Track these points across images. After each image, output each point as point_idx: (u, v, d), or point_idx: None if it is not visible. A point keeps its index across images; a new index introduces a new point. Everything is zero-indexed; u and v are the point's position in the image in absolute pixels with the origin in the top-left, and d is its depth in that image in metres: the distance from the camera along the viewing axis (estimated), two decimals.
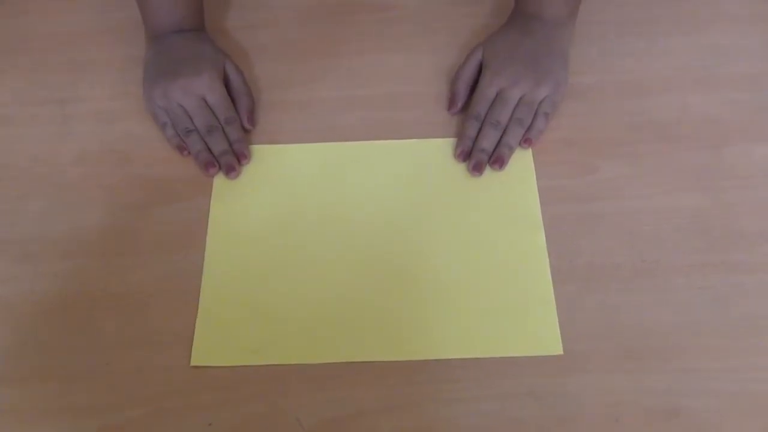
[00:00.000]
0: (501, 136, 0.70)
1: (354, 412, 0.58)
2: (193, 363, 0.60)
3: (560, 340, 0.60)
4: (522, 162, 0.70)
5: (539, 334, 0.61)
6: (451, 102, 0.74)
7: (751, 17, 0.80)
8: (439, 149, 0.72)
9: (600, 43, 0.78)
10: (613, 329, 0.61)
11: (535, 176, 0.69)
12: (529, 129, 0.71)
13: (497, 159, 0.69)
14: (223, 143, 0.71)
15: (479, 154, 0.70)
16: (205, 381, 0.59)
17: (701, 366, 0.59)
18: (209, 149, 0.71)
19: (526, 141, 0.70)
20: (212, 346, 0.61)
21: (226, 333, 0.61)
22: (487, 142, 0.70)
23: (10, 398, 0.59)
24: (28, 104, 0.77)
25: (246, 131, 0.73)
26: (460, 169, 0.70)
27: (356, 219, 0.67)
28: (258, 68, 0.79)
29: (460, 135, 0.72)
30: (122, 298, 0.63)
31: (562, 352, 0.60)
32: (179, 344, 0.61)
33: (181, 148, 0.71)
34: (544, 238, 0.65)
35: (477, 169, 0.69)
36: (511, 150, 0.70)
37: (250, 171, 0.71)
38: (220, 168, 0.70)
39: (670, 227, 0.66)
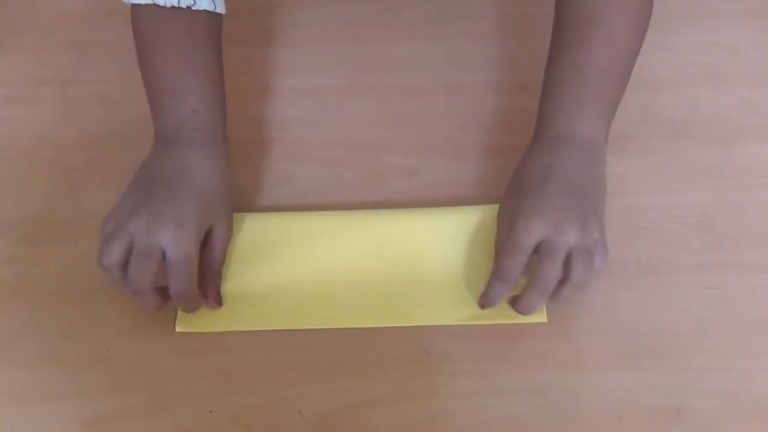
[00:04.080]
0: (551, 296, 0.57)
1: (354, 403, 0.57)
2: (178, 329, 0.60)
3: (545, 309, 0.60)
4: None
5: None
6: (484, 301, 0.60)
7: (765, 15, 0.79)
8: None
9: None
10: (617, 326, 0.60)
11: None
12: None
13: (527, 307, 0.59)
14: (153, 306, 0.58)
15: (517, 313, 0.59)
16: (205, 368, 0.59)
17: (705, 366, 0.58)
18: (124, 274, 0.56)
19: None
20: (198, 312, 0.61)
21: None
22: (533, 307, 0.58)
23: (10, 382, 0.59)
24: (32, 85, 0.77)
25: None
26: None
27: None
28: (264, 53, 0.78)
29: (483, 296, 0.60)
30: None
31: (546, 320, 0.60)
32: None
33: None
34: None
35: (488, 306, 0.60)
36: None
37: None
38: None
39: (677, 225, 0.65)
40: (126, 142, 0.72)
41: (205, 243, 0.60)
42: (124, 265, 0.56)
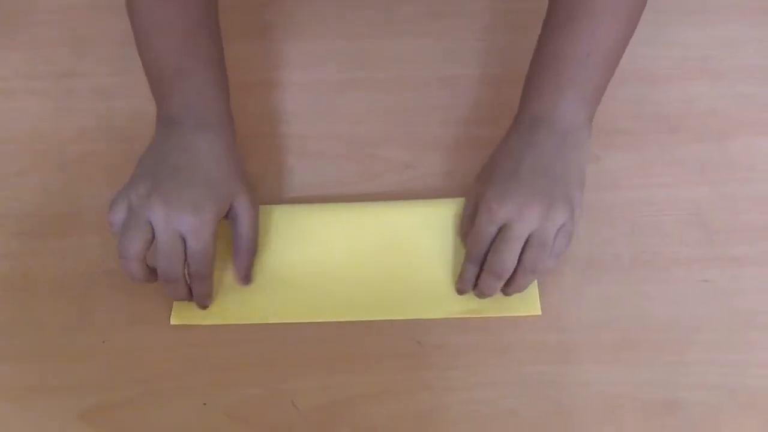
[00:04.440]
0: (511, 278, 0.59)
1: (349, 397, 0.58)
2: (173, 322, 0.61)
3: (538, 302, 0.61)
4: None
5: (519, 295, 0.61)
6: (459, 287, 0.62)
7: (761, 9, 0.79)
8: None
9: None
10: (611, 320, 0.60)
11: None
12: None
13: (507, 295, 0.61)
14: (182, 294, 0.59)
15: (481, 296, 0.61)
16: (200, 361, 0.59)
17: (699, 359, 0.58)
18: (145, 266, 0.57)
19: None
20: (193, 306, 0.61)
21: None
22: (491, 291, 0.59)
23: (5, 375, 0.59)
24: (28, 79, 0.77)
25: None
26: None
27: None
28: (260, 48, 0.78)
29: (459, 275, 0.61)
30: (120, 276, 0.62)
31: (540, 313, 0.60)
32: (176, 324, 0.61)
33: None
34: None
35: (479, 297, 0.61)
36: (522, 291, 0.60)
37: None
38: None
39: (671, 219, 0.65)
40: (123, 136, 0.72)
41: (234, 220, 0.61)
42: (145, 259, 0.57)
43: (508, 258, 0.57)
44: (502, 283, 0.59)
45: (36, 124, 0.73)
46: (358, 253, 0.64)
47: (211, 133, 0.61)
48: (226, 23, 0.76)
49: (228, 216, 0.60)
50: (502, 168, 0.60)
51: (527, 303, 0.61)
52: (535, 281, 0.62)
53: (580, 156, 0.61)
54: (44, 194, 0.68)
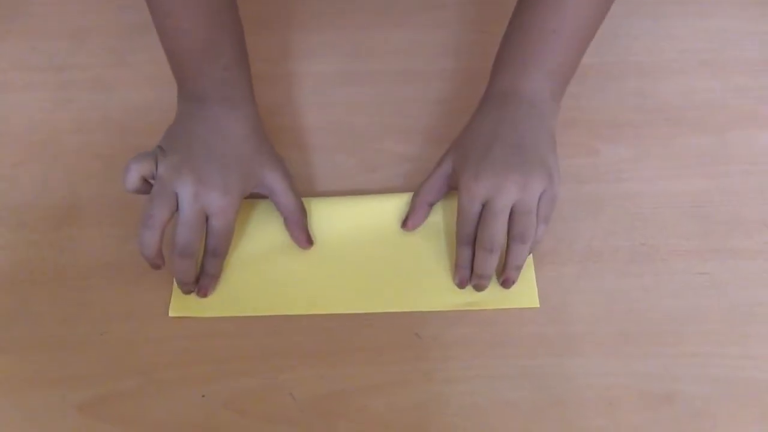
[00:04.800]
0: (506, 256, 0.60)
1: (347, 389, 0.58)
2: (171, 314, 0.61)
3: (537, 294, 0.61)
4: None
5: (517, 288, 0.61)
6: (406, 221, 0.64)
7: (760, 2, 0.79)
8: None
9: (604, 23, 0.77)
10: (610, 312, 0.60)
11: None
12: None
13: (507, 280, 0.61)
14: (191, 274, 0.60)
15: (480, 280, 0.60)
16: (198, 353, 0.59)
17: (698, 351, 0.58)
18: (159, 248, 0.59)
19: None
20: (191, 297, 0.61)
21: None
22: (487, 268, 0.60)
23: (4, 367, 0.59)
24: (26, 70, 0.76)
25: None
26: None
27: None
28: (258, 38, 0.78)
29: (455, 262, 0.62)
30: (118, 267, 0.63)
31: (538, 305, 0.60)
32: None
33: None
34: None
35: (478, 290, 0.61)
36: (520, 268, 0.60)
37: None
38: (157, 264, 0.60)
39: (670, 212, 0.65)
40: (120, 128, 0.72)
41: (271, 195, 0.63)
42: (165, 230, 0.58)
43: (496, 230, 0.58)
44: (496, 258, 0.59)
45: (33, 116, 0.73)
46: (357, 246, 0.64)
47: (239, 111, 0.63)
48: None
49: (263, 192, 0.63)
50: (475, 145, 0.61)
51: (525, 295, 0.61)
52: (533, 274, 0.62)
53: (548, 123, 0.62)
54: (42, 186, 0.68)
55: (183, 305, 0.61)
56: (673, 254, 0.63)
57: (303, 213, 0.64)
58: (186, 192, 0.57)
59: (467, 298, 0.61)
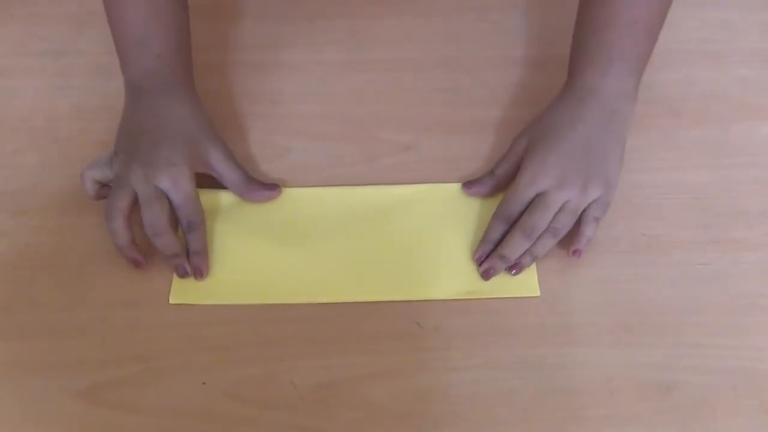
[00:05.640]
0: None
1: (347, 376, 0.58)
2: (172, 301, 0.61)
3: (537, 283, 0.61)
4: None
5: (518, 276, 0.61)
6: (471, 184, 0.65)
7: None
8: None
9: None
10: (610, 302, 0.60)
11: None
12: (578, 236, 0.61)
13: (516, 265, 0.60)
14: (173, 247, 0.61)
15: (497, 262, 0.60)
16: (199, 341, 0.59)
17: (697, 342, 0.58)
18: (132, 239, 0.61)
19: (575, 253, 0.61)
20: (192, 284, 0.61)
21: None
22: (512, 252, 0.60)
23: (3, 353, 0.59)
24: (25, 56, 0.76)
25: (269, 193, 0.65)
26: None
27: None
28: (259, 27, 0.78)
29: (483, 236, 0.62)
30: (118, 254, 0.63)
31: (539, 294, 0.60)
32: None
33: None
34: None
35: (486, 275, 0.61)
36: (536, 260, 0.61)
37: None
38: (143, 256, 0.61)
39: (671, 202, 0.65)
40: (119, 114, 0.70)
41: (217, 172, 0.64)
42: (130, 218, 0.61)
43: (541, 219, 0.60)
44: (527, 246, 0.60)
45: (32, 102, 0.73)
46: (358, 235, 0.64)
47: (174, 97, 0.65)
48: (224, 4, 0.76)
49: (211, 173, 0.64)
50: (549, 137, 0.62)
51: (526, 284, 0.61)
52: (534, 263, 0.62)
53: (623, 133, 0.64)
54: (41, 172, 0.68)
55: (184, 292, 0.61)
56: (674, 245, 0.63)
57: (251, 181, 0.65)
58: (137, 178, 0.60)
59: (468, 287, 0.61)
